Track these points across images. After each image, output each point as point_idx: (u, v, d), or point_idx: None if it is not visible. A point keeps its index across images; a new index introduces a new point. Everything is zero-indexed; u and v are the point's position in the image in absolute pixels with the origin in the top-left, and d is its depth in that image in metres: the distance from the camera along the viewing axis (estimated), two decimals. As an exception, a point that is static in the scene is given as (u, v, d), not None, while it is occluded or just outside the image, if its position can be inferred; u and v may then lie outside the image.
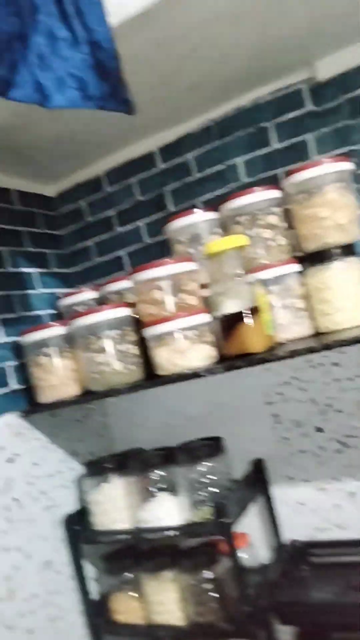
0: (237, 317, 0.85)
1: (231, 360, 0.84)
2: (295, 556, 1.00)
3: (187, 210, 1.02)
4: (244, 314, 0.84)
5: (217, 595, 0.90)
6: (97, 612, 1.00)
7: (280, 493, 1.06)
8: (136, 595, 0.99)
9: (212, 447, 0.96)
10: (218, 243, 0.90)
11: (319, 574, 0.98)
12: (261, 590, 0.88)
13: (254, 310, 0.85)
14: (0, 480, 0.93)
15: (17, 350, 1.05)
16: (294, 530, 1.05)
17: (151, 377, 0.92)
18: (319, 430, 1.02)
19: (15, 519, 0.93)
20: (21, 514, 0.95)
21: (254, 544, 1.01)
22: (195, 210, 1.01)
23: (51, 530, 1.00)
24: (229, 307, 0.87)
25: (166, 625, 0.93)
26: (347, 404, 1.00)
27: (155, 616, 0.95)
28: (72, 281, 1.28)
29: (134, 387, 0.91)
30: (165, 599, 0.94)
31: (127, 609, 0.98)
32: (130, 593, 0.99)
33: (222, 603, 0.90)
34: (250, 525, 1.05)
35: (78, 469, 1.11)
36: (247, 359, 0.82)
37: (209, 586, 0.91)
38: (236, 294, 0.88)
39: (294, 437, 1.05)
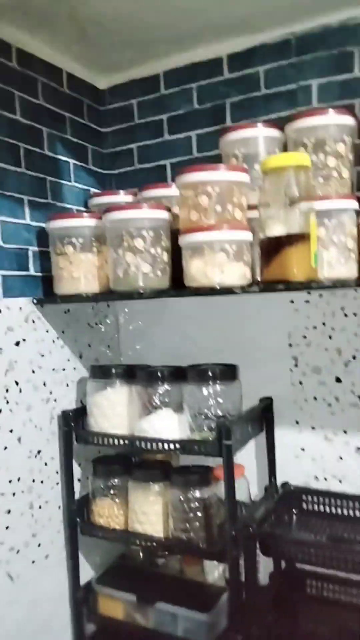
0: (282, 242, 0.79)
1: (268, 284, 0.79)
2: (286, 499, 0.99)
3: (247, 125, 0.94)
4: (290, 240, 0.79)
5: (202, 515, 0.89)
6: (77, 511, 1.00)
7: (284, 435, 1.03)
8: (120, 502, 0.98)
9: (225, 371, 0.92)
10: (278, 158, 0.83)
11: (306, 520, 0.97)
12: (246, 522, 0.87)
13: (302, 238, 0.79)
14: (4, 360, 0.90)
15: (42, 238, 1.00)
16: (290, 474, 1.03)
17: (178, 289, 0.87)
18: (338, 380, 0.98)
19: (12, 401, 0.91)
20: (19, 398, 0.92)
21: (247, 478, 0.99)
22: (256, 125, 0.94)
23: (46, 423, 0.98)
24: (277, 230, 0.81)
25: (145, 534, 0.93)
26: (373, 359, 0.96)
27: (136, 525, 0.94)
28: (108, 183, 1.21)
29: (158, 293, 0.87)
30: (149, 510, 0.93)
31: (108, 514, 0.98)
32: (115, 499, 0.98)
33: (206, 524, 0.89)
34: (246, 459, 1.03)
35: (82, 372, 1.09)
36: (286, 283, 0.76)
37: (196, 505, 0.89)
38: (286, 218, 0.81)
39: (310, 383, 1.01)
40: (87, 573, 1.06)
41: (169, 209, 0.90)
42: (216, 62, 1.09)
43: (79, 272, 0.94)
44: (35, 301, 0.97)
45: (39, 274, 1.00)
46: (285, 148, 0.94)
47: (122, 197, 1.05)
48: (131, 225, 0.87)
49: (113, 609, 0.99)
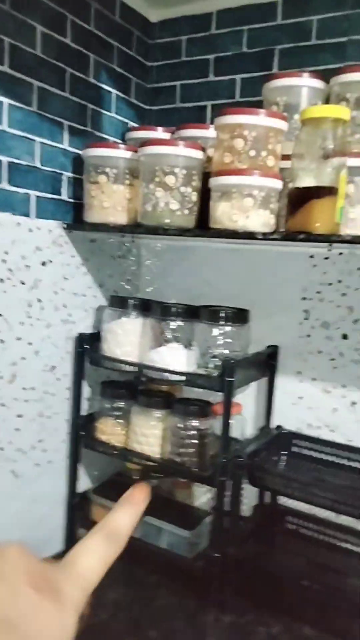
0: (310, 193, 0.81)
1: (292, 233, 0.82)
2: (278, 440, 1.05)
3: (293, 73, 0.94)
4: (319, 192, 0.81)
5: (197, 443, 0.96)
6: (82, 426, 1.07)
7: (284, 382, 1.08)
8: (123, 423, 1.05)
9: (236, 314, 0.96)
10: (319, 108, 0.83)
11: (294, 461, 1.03)
12: (237, 453, 0.93)
13: (330, 192, 0.81)
14: (30, 277, 0.95)
15: (77, 165, 1.03)
16: (285, 419, 1.08)
17: (202, 229, 0.90)
18: (345, 337, 1.02)
19: (33, 317, 0.97)
20: (40, 315, 0.98)
21: (244, 417, 1.06)
22: (302, 74, 0.93)
23: (62, 342, 1.04)
24: (307, 182, 0.83)
25: (142, 454, 1.00)
26: (381, 321, 0.99)
27: (135, 444, 1.01)
28: (147, 118, 1.22)
29: (184, 231, 0.90)
30: (149, 433, 1.00)
31: (111, 432, 1.05)
32: (118, 420, 1.05)
33: (200, 452, 0.96)
34: (246, 401, 1.09)
35: (101, 300, 1.14)
36: (307, 234, 0.79)
37: (192, 434, 0.96)
38: (318, 172, 0.82)
39: (317, 337, 1.05)
40: (84, 483, 1.14)
41: (203, 150, 0.92)
42: (270, 6, 1.07)
43: (109, 203, 0.97)
44: (64, 226, 1.01)
45: (71, 200, 1.03)
46: (327, 101, 0.94)
47: (160, 133, 1.06)
48: (165, 161, 0.89)
49: (104, 517, 1.08)
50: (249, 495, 1.08)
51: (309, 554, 1.02)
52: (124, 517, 0.31)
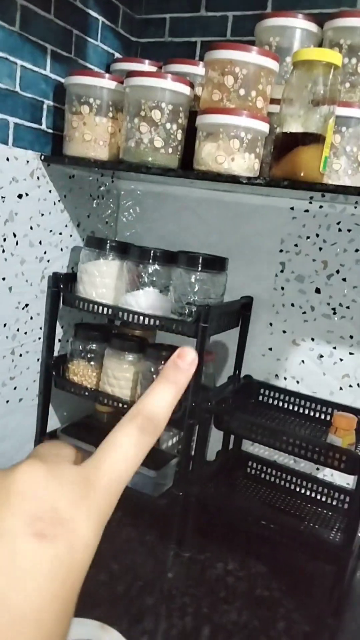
0: (297, 139, 0.80)
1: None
2: (246, 389, 1.07)
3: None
4: (305, 139, 0.79)
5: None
6: (54, 366, 1.07)
7: (256, 334, 1.10)
8: (95, 365, 1.05)
9: (214, 261, 0.96)
10: (311, 51, 0.81)
11: (260, 409, 1.06)
12: (206, 398, 0.95)
13: (317, 140, 0.80)
14: (5, 210, 0.92)
15: (58, 94, 0.98)
16: (254, 370, 1.11)
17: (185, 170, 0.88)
18: (317, 291, 1.03)
19: (8, 251, 0.94)
20: (15, 250, 0.96)
21: (214, 366, 1.07)
22: (297, 15, 0.90)
23: (37, 280, 1.02)
24: (294, 128, 0.81)
25: (113, 395, 1.01)
26: (355, 277, 1.00)
27: (107, 387, 1.02)
28: (133, 51, 1.16)
29: (166, 171, 0.88)
30: (120, 376, 1.01)
31: (82, 374, 1.05)
32: (91, 362, 1.05)
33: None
34: (216, 349, 1.10)
35: (77, 241, 1.11)
36: (291, 182, 0.78)
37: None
38: (306, 118, 0.81)
39: (291, 290, 1.06)
40: (54, 423, 1.15)
41: (192, 87, 0.89)
42: None
43: (91, 136, 0.93)
44: (42, 157, 0.97)
45: (50, 131, 0.99)
46: (320, 46, 0.91)
47: (146, 66, 1.02)
48: (151, 95, 0.86)
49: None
50: (214, 442, 1.11)
51: (267, 498, 1.07)
52: (162, 399, 0.24)
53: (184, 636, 0.80)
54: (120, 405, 1.01)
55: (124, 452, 0.24)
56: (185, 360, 0.25)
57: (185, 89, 0.87)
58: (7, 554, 0.20)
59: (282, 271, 1.07)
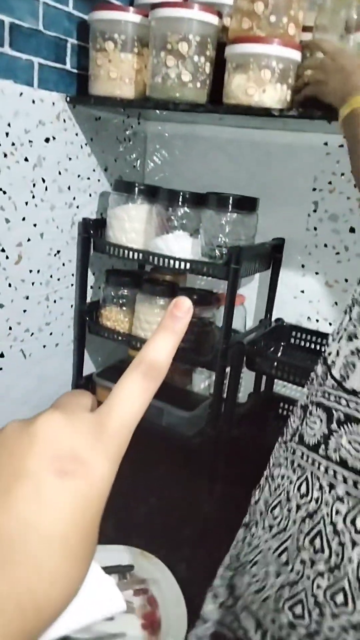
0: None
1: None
2: (277, 332, 1.07)
3: None
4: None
5: (199, 331, 0.98)
6: (87, 312, 1.09)
7: (288, 276, 1.08)
8: (127, 310, 1.07)
9: (244, 201, 0.94)
10: (349, -31, 0.75)
11: (291, 352, 1.06)
12: (237, 339, 0.96)
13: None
14: (34, 155, 0.91)
15: (82, 32, 0.95)
16: (286, 312, 1.10)
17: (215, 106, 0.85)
18: (352, 230, 1.01)
19: (38, 197, 0.95)
20: (45, 196, 0.96)
21: (246, 309, 1.07)
22: None
23: (67, 226, 1.03)
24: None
25: (145, 339, 1.02)
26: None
27: (139, 331, 1.04)
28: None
29: (194, 106, 0.85)
30: (152, 320, 1.02)
31: (115, 319, 1.07)
32: (123, 307, 1.07)
33: (201, 339, 0.98)
34: (247, 293, 1.10)
35: (105, 186, 1.11)
36: (325, 113, 0.75)
37: (195, 321, 0.98)
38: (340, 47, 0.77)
39: (324, 230, 1.04)
40: (89, 368, 1.19)
41: (220, 16, 0.85)
42: None
43: (117, 73, 0.91)
44: (68, 99, 0.95)
45: (75, 71, 0.96)
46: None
47: (171, -2, 0.97)
48: (178, 26, 0.82)
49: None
50: (246, 384, 1.13)
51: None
52: (162, 347, 0.27)
53: (219, 562, 0.84)
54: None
55: (131, 397, 0.26)
56: (181, 310, 0.27)
57: (213, 19, 0.83)
58: (34, 489, 0.23)
59: (314, 211, 1.04)
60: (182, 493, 1.01)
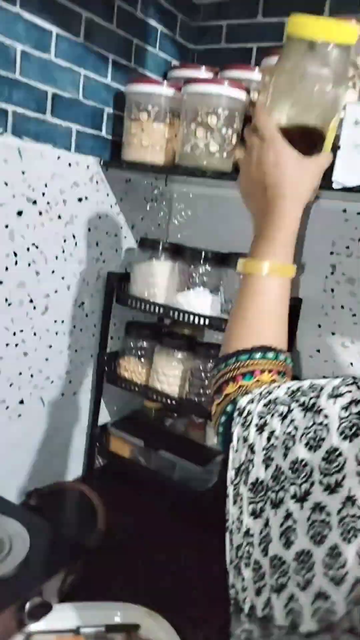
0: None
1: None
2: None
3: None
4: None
5: (217, 385, 1.00)
6: (107, 362, 1.12)
7: (304, 335, 1.10)
8: (145, 362, 1.09)
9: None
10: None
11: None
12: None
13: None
14: (67, 213, 0.97)
15: (118, 101, 1.02)
16: (301, 371, 1.11)
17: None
18: (368, 294, 1.03)
19: (67, 252, 0.99)
20: (75, 251, 1.01)
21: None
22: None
23: (93, 280, 1.07)
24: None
25: (162, 392, 1.04)
26: None
27: (156, 383, 1.06)
28: (190, 58, 1.19)
29: (221, 174, 0.90)
30: (170, 373, 1.04)
31: (133, 369, 1.09)
32: (141, 359, 1.09)
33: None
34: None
35: (131, 242, 1.16)
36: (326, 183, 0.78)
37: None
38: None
39: (341, 292, 1.06)
40: (104, 418, 1.20)
41: (247, 92, 0.91)
42: None
43: (149, 141, 0.97)
44: (102, 162, 1.01)
45: (109, 137, 1.03)
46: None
47: (203, 72, 1.04)
48: (208, 101, 0.89)
49: (122, 449, 1.14)
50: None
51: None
52: None
53: (226, 624, 0.82)
54: (169, 401, 1.04)
55: None
56: None
57: (242, 95, 0.89)
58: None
59: (332, 273, 1.07)
60: (192, 551, 1.00)
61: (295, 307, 1.09)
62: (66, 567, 0.76)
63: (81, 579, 0.79)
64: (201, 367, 1.02)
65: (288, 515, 0.40)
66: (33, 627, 0.71)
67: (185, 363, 1.05)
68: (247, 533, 0.44)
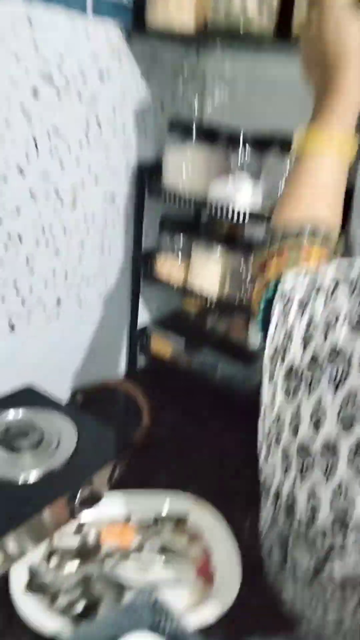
0: None
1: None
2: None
3: None
4: None
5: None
6: (142, 260, 1.07)
7: (358, 215, 1.01)
8: (183, 259, 1.03)
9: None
10: None
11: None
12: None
13: None
14: (87, 92, 0.87)
15: None
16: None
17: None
18: None
19: (91, 138, 0.91)
20: (99, 137, 0.92)
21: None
22: None
23: (122, 170, 0.99)
24: None
25: (202, 290, 1.00)
26: None
27: (195, 281, 1.01)
28: None
29: (261, 39, 0.77)
30: (209, 269, 0.99)
31: (170, 268, 1.04)
32: (178, 256, 1.04)
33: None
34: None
35: (161, 125, 1.05)
36: None
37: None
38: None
39: None
40: (143, 319, 1.18)
41: None
42: None
43: (177, 4, 0.83)
44: (123, 30, 0.89)
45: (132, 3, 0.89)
46: None
47: None
48: None
49: (163, 348, 1.13)
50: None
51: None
52: None
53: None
54: (208, 300, 1.00)
55: None
56: None
57: None
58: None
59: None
60: (237, 446, 1.01)
61: (347, 192, 0.98)
62: (114, 458, 0.78)
63: (129, 471, 0.81)
64: (242, 264, 0.95)
65: (321, 398, 0.41)
66: (85, 515, 0.74)
67: (225, 258, 0.99)
68: (279, 416, 0.46)
